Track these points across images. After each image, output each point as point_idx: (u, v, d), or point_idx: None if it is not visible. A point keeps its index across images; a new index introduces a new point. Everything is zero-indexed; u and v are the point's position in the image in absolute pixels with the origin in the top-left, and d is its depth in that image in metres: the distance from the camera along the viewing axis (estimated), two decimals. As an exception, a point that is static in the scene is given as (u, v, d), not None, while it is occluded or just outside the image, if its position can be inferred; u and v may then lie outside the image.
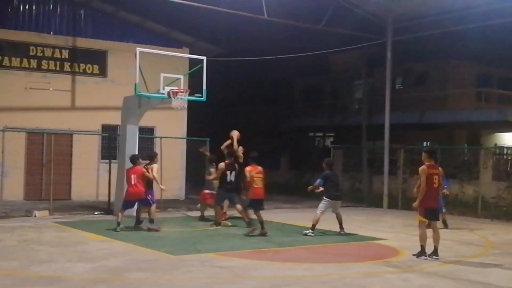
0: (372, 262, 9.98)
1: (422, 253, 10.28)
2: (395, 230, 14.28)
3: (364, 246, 11.96)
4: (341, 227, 13.19)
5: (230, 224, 14.24)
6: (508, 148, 22.43)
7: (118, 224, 12.62)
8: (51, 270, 8.57)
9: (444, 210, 13.78)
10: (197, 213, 16.61)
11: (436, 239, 10.32)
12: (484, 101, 26.63)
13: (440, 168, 10.67)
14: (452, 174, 20.59)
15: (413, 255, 10.38)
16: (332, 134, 34.27)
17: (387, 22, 20.79)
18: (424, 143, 28.29)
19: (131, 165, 13.24)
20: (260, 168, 12.78)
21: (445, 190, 13.34)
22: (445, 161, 20.73)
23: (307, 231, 12.85)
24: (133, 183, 12.84)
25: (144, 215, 13.31)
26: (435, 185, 10.24)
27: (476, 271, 9.32)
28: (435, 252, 10.25)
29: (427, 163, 10.34)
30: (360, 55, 26.31)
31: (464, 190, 19.86)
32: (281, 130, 33.05)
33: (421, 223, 10.37)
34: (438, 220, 10.77)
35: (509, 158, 20.52)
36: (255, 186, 12.53)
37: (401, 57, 24.84)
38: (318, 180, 13.00)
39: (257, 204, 12.67)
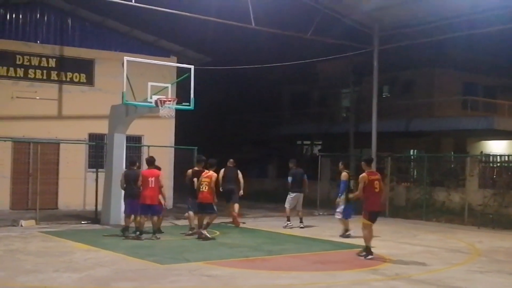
0: (359, 270, 10.01)
1: (368, 253, 10.94)
2: (383, 238, 14.28)
3: (351, 254, 11.98)
4: (301, 221, 15.70)
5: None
6: (494, 156, 22.61)
7: (127, 229, 12.67)
8: (37, 280, 8.52)
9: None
10: (185, 222, 16.58)
11: (368, 239, 11.05)
12: (470, 109, 26.87)
13: (378, 174, 11.43)
14: (439, 181, 20.78)
15: (359, 255, 11.07)
16: (319, 142, 34.38)
17: (374, 31, 20.94)
18: (411, 151, 28.50)
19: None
20: (211, 173, 13.19)
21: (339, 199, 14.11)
22: (432, 169, 20.92)
23: (285, 224, 15.60)
24: (151, 186, 12.79)
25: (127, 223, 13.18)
26: (376, 190, 10.95)
27: (462, 278, 9.38)
28: (368, 252, 10.97)
29: (367, 171, 11.11)
30: (347, 63, 26.46)
31: (451, 198, 19.98)
32: (269, 138, 33.10)
33: (366, 225, 11.02)
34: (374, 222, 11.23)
35: (495, 166, 20.67)
36: (201, 190, 13.07)
37: (388, 66, 25.02)
38: (288, 179, 15.70)
39: (200, 207, 13.20)
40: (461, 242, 13.88)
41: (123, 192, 13.47)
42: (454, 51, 26.82)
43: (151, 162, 13.27)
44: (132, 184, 13.02)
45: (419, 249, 12.69)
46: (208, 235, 13.01)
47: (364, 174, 11.01)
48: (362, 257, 10.97)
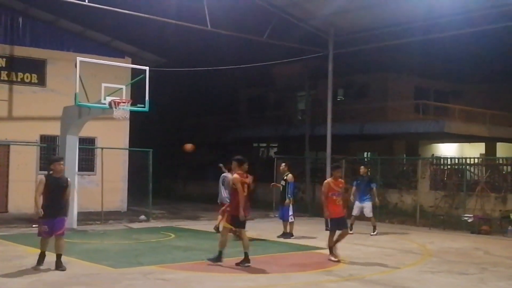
0: (314, 272, 10.10)
1: (218, 259, 10.30)
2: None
3: (306, 255, 12.09)
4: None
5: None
6: (444, 158, 23.20)
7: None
8: (-15, 286, 8.27)
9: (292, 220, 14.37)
10: (139, 225, 16.48)
11: (246, 246, 10.32)
12: (422, 113, 27.48)
13: (250, 177, 10.66)
14: (391, 183, 21.18)
15: (208, 259, 10.37)
16: (276, 145, 34.56)
17: (329, 35, 21.18)
18: (365, 154, 28.94)
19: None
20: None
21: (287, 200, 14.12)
22: (385, 171, 21.31)
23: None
24: None
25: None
26: (245, 194, 10.33)
27: (414, 279, 9.56)
28: (245, 260, 10.24)
29: (238, 172, 10.49)
30: (303, 67, 26.69)
31: (403, 199, 20.40)
32: (226, 141, 33.06)
33: (225, 229, 10.53)
34: (244, 228, 10.51)
35: (445, 168, 21.22)
36: None
37: (343, 70, 25.36)
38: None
39: None
40: (413, 243, 14.17)
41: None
42: (407, 56, 27.40)
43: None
44: None
45: (373, 250, 12.88)
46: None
47: (236, 176, 10.42)
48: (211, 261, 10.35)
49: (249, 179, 10.61)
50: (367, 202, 15.44)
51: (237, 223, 10.37)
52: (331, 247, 11.08)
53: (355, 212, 15.55)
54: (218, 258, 10.37)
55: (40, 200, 9.53)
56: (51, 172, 9.72)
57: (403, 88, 28.91)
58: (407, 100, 28.70)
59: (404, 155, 26.32)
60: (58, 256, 9.61)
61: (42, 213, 9.39)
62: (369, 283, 9.20)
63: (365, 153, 29.02)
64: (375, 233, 15.32)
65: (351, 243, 13.18)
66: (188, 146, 15.81)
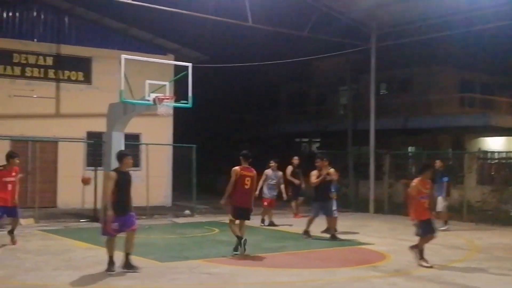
0: (358, 267, 10.02)
1: (236, 248, 10.68)
2: (382, 234, 14.34)
3: (351, 251, 12.01)
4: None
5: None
6: (491, 152, 22.67)
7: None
8: (38, 279, 8.51)
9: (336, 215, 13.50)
10: (184, 220, 16.66)
11: (242, 233, 10.76)
12: (467, 106, 26.91)
13: (254, 172, 10.89)
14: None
15: (234, 253, 10.62)
16: (318, 140, 34.41)
17: (371, 29, 20.94)
18: (409, 148, 28.53)
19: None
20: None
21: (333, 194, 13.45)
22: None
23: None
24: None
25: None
26: (246, 187, 10.70)
27: (462, 275, 9.39)
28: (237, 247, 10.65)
29: (242, 165, 10.81)
30: (344, 61, 26.48)
31: (449, 194, 19.99)
32: (267, 136, 33.10)
33: (231, 221, 10.86)
34: (249, 219, 11.03)
35: (493, 162, 20.72)
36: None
37: (385, 63, 25.02)
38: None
39: None
40: (460, 238, 13.91)
41: None
42: (451, 48, 26.87)
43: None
44: None
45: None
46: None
47: (236, 168, 10.72)
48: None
49: (253, 173, 10.86)
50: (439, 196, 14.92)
51: (238, 214, 10.78)
52: (422, 251, 10.17)
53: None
54: (236, 248, 10.72)
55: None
56: (119, 167, 9.29)
57: (448, 81, 28.40)
58: (452, 94, 28.16)
59: (450, 150, 25.81)
60: (127, 256, 9.13)
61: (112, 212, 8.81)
62: (415, 279, 9.09)
63: (409, 148, 28.61)
64: (445, 227, 14.80)
65: (395, 239, 13.04)
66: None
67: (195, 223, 16.31)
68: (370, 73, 21.21)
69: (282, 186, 16.23)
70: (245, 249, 10.73)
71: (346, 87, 27.86)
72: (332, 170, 13.68)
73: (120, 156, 9.39)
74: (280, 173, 16.23)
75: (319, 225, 14.07)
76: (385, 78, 28.66)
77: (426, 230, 10.12)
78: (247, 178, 10.75)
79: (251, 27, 18.56)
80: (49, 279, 8.50)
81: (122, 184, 9.10)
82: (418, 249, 10.15)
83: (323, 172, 13.00)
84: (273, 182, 15.92)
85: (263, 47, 27.00)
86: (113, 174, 9.12)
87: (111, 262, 9.04)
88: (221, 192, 11.21)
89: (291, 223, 16.06)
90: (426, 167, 10.65)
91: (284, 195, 16.57)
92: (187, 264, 9.87)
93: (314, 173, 13.15)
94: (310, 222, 13.34)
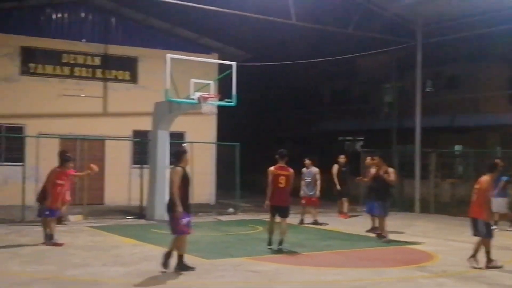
0: (405, 267, 9.88)
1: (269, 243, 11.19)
2: (428, 234, 14.10)
3: (397, 250, 11.84)
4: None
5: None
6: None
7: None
8: (87, 274, 8.70)
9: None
10: (228, 218, 16.74)
11: (283, 232, 11.08)
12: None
13: (290, 170, 11.10)
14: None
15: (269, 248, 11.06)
16: (362, 138, 34.07)
17: (416, 25, 20.59)
18: (456, 147, 27.94)
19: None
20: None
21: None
22: (478, 165, 20.43)
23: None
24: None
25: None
26: (281, 185, 10.96)
27: (511, 277, 9.16)
28: (280, 243, 11.03)
29: (278, 165, 11.12)
30: (389, 58, 26.13)
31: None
32: (309, 134, 32.96)
33: (270, 219, 11.28)
34: (286, 217, 11.21)
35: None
36: None
37: (431, 60, 24.56)
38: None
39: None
40: (510, 239, 13.54)
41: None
42: (499, 44, 26.13)
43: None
44: None
45: (467, 246, 12.37)
46: None
47: (271, 168, 11.09)
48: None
49: (288, 171, 11.01)
50: (499, 196, 14.46)
51: (275, 212, 11.11)
52: (489, 252, 9.83)
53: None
54: (269, 243, 11.18)
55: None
56: (180, 164, 8.93)
57: (496, 78, 27.65)
58: (501, 91, 27.43)
59: (498, 148, 25.14)
60: (180, 257, 8.96)
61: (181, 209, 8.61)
62: (463, 279, 8.91)
63: (456, 146, 28.03)
64: (496, 227, 14.12)
65: (442, 239, 12.80)
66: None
67: (238, 221, 16.39)
68: (416, 70, 20.87)
69: (318, 183, 15.85)
70: (279, 248, 11.01)
71: (390, 85, 27.47)
72: (391, 169, 13.35)
73: (179, 153, 9.10)
74: (315, 169, 15.83)
75: (363, 224, 13.96)
76: (431, 75, 28.13)
77: (490, 232, 9.89)
78: (282, 177, 11.00)
79: (294, 25, 18.51)
80: (98, 275, 8.68)
81: (186, 182, 8.88)
82: (485, 251, 9.81)
83: (381, 170, 12.83)
84: (308, 180, 15.72)
85: (306, 45, 26.90)
86: (180, 170, 8.83)
87: (180, 262, 8.91)
88: (264, 191, 11.29)
89: (333, 222, 15.95)
90: (495, 166, 10.34)
91: (317, 193, 15.82)
92: (231, 261, 9.92)
93: (372, 170, 13.29)
94: (383, 224, 12.84)
